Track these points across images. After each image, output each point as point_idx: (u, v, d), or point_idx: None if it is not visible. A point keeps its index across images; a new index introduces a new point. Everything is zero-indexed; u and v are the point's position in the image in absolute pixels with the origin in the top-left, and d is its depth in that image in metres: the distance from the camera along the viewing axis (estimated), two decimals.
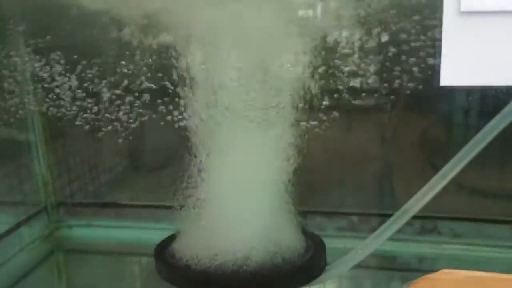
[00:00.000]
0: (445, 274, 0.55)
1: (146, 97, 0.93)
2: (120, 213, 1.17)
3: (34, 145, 1.13)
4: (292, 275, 0.77)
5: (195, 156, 0.82)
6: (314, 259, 0.81)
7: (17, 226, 1.09)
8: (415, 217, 1.00)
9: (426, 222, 1.04)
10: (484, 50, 0.56)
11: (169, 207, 1.10)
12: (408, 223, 1.02)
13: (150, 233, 1.08)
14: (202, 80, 0.78)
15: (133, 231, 1.15)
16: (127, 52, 0.90)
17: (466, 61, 0.55)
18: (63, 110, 0.95)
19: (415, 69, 0.86)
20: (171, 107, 0.87)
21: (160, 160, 1.15)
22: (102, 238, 1.17)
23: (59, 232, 1.18)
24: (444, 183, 0.78)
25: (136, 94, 0.93)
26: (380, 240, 0.82)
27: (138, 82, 0.92)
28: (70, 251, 1.16)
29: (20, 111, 1.07)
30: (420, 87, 0.88)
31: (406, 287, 0.55)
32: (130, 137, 1.04)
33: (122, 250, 1.13)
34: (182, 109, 0.83)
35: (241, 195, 0.80)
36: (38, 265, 1.07)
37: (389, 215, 0.81)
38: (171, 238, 0.87)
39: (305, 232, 0.86)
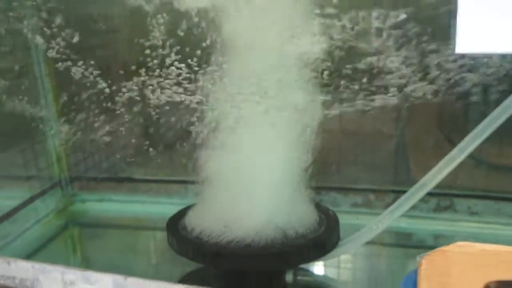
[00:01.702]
0: (460, 247, 0.55)
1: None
2: (133, 188, 1.18)
3: (48, 121, 1.14)
4: (304, 249, 0.77)
5: (210, 131, 0.83)
6: (326, 234, 0.80)
7: (31, 200, 1.10)
8: (431, 194, 1.00)
9: (442, 199, 1.03)
10: (502, 17, 0.54)
11: (183, 182, 1.12)
12: (423, 200, 1.03)
13: (164, 208, 1.09)
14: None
15: (147, 206, 1.16)
16: None
17: (483, 28, 0.53)
18: None
19: None
20: (188, 80, 0.87)
21: (175, 135, 1.15)
22: (116, 212, 1.18)
23: (73, 206, 1.20)
24: (461, 158, 0.77)
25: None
26: (394, 216, 0.81)
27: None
28: (84, 225, 1.18)
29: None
30: None
31: (420, 259, 0.55)
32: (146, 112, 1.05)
33: (135, 224, 1.14)
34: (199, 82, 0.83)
35: (254, 169, 0.80)
36: (52, 239, 1.08)
37: None
38: (184, 212, 0.87)
39: (318, 207, 0.86)
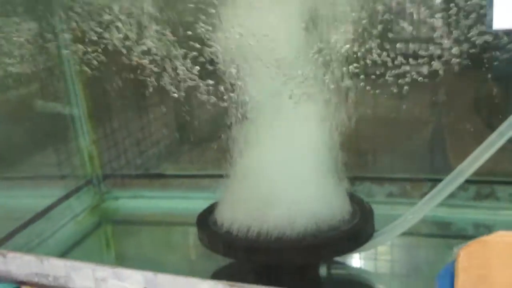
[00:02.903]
0: (501, 237, 0.51)
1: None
2: (165, 184, 1.18)
3: (79, 120, 1.15)
4: (337, 242, 0.74)
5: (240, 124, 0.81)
6: (360, 225, 0.78)
7: (65, 198, 1.11)
8: (470, 182, 0.96)
9: (483, 186, 0.99)
10: None
11: (214, 176, 1.11)
12: (462, 188, 0.99)
13: (196, 203, 1.08)
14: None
15: (179, 201, 1.15)
16: None
17: None
18: None
19: None
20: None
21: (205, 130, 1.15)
22: (148, 208, 1.18)
23: (105, 204, 1.21)
24: (501, 142, 0.73)
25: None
26: (431, 205, 0.78)
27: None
28: (117, 222, 1.18)
29: None
30: None
31: (458, 250, 0.52)
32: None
33: (168, 220, 1.13)
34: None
35: (285, 159, 0.78)
36: (86, 236, 1.08)
37: None
38: (214, 206, 0.86)
39: (352, 198, 0.84)
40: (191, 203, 1.11)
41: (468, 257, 0.50)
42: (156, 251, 1.02)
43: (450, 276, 0.51)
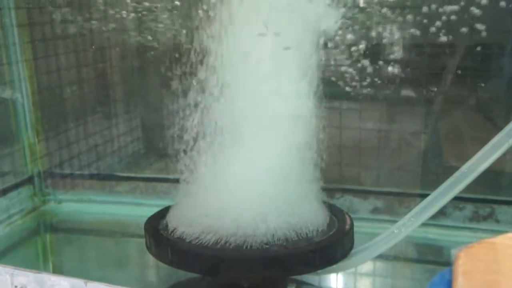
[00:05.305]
0: (510, 239, 0.44)
1: None
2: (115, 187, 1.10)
3: (21, 107, 1.06)
4: (308, 254, 0.66)
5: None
6: (337, 238, 0.70)
7: None
8: (467, 200, 0.90)
9: (481, 206, 0.92)
10: None
11: (172, 180, 1.03)
12: (458, 208, 0.92)
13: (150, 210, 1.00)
14: None
15: (131, 208, 1.07)
16: None
17: None
18: None
19: None
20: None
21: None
22: (95, 215, 1.09)
23: (46, 206, 1.11)
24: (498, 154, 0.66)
25: None
26: (420, 219, 0.70)
27: None
28: (57, 229, 1.09)
29: None
30: None
31: (456, 253, 0.44)
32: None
33: (117, 229, 1.04)
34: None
35: (251, 161, 0.71)
36: (18, 244, 0.99)
37: None
38: (164, 212, 0.78)
39: (330, 208, 0.76)
40: (145, 210, 1.03)
41: (470, 260, 0.43)
42: (100, 266, 0.93)
43: (447, 283, 0.43)
